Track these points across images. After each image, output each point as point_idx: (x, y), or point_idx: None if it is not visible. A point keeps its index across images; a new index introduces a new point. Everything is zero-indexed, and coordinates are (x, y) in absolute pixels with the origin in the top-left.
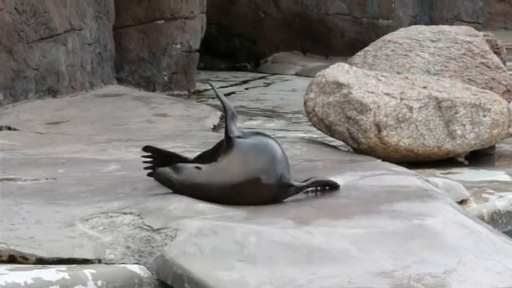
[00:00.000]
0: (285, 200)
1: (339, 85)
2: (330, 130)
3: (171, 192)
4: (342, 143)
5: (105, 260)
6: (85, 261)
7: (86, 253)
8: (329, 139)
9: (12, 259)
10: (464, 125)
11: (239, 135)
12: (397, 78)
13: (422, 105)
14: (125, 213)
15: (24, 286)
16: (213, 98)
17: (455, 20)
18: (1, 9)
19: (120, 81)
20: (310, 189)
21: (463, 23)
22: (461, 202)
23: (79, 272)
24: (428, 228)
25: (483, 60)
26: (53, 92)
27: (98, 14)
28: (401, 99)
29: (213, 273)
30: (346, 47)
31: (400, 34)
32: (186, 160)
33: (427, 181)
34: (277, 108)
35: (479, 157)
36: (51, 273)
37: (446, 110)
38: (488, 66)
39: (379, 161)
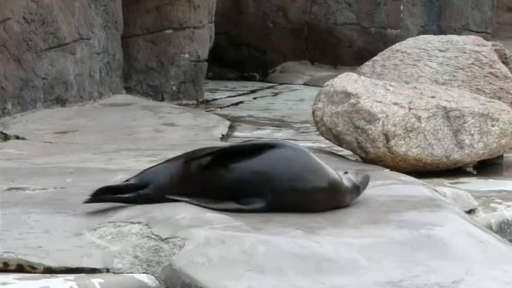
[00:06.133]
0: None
1: (347, 95)
2: (338, 139)
3: (178, 202)
4: (350, 153)
5: (113, 270)
6: (93, 271)
7: (93, 262)
8: (337, 148)
9: (20, 268)
10: (472, 135)
11: None
12: (405, 87)
13: (430, 114)
14: (133, 223)
15: None
16: (220, 108)
17: (463, 29)
18: (9, 18)
19: (129, 90)
20: None
21: (472, 32)
22: (470, 212)
23: (87, 281)
24: (436, 238)
25: (491, 70)
26: (61, 101)
27: (106, 24)
28: (410, 108)
29: (221, 282)
30: (354, 56)
31: (408, 44)
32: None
33: (435, 191)
34: (285, 118)
35: (487, 167)
36: (59, 283)
37: (455, 120)
38: (496, 76)
39: (388, 170)
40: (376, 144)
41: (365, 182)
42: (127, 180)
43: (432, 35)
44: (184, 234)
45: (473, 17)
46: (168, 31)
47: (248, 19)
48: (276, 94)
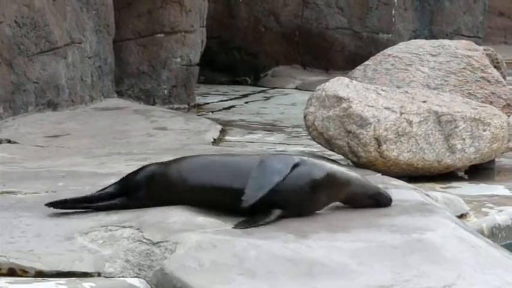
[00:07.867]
0: None
1: (339, 99)
2: (329, 144)
3: (170, 206)
4: (342, 157)
5: (104, 273)
6: (84, 275)
7: (85, 266)
8: (329, 153)
9: (12, 272)
10: (464, 139)
11: None
12: (397, 92)
13: (422, 119)
14: (124, 227)
15: None
16: (212, 112)
17: (455, 34)
18: (1, 22)
19: (120, 94)
20: None
21: (463, 37)
22: (461, 216)
23: (78, 285)
24: (427, 242)
25: (483, 75)
26: (52, 105)
27: (98, 28)
28: (401, 113)
29: (213, 287)
30: (346, 61)
31: (400, 48)
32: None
33: (427, 195)
34: (277, 122)
35: (479, 171)
36: (51, 287)
37: (446, 124)
38: (488, 81)
39: (379, 175)
40: (368, 149)
41: (384, 196)
42: (105, 188)
43: (424, 40)
44: (176, 238)
45: (465, 22)
46: (159, 35)
47: (240, 23)
48: (267, 98)
